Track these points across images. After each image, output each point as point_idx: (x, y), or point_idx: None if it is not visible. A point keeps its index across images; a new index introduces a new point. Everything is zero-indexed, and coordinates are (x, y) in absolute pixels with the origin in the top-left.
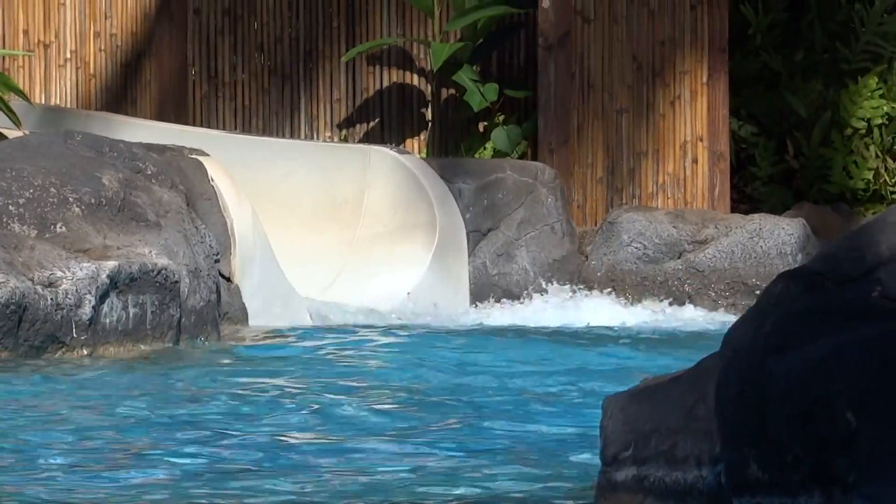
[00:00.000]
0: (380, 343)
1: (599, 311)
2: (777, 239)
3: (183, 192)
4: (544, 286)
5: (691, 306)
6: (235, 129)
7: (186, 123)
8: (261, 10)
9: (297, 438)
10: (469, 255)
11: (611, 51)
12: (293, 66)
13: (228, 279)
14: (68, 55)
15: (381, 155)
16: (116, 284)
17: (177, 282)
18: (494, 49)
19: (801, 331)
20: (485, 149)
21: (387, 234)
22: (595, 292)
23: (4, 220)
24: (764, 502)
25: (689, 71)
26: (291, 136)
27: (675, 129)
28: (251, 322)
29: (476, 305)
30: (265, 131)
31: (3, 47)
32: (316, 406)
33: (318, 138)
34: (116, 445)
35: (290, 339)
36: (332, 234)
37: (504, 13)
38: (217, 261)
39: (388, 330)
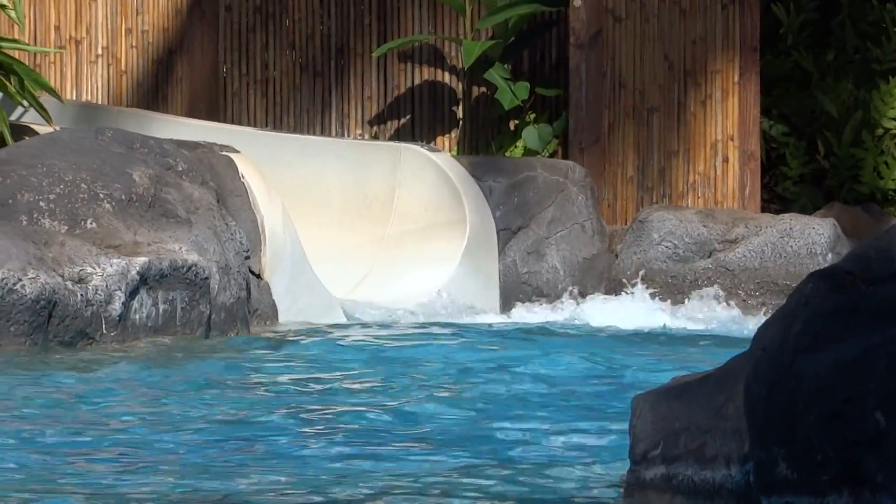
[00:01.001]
0: (409, 341)
1: (628, 309)
2: (807, 239)
3: (213, 188)
4: (574, 284)
5: (721, 305)
6: (266, 126)
7: (218, 120)
8: (292, 7)
9: (323, 436)
10: (499, 254)
11: (642, 50)
12: (324, 64)
13: (258, 276)
14: (100, 52)
15: (412, 153)
16: (146, 280)
17: (207, 278)
18: (526, 47)
19: (831, 330)
20: (515, 147)
21: (417, 232)
22: (624, 291)
23: (35, 215)
24: (793, 501)
25: (721, 70)
26: (322, 134)
27: (706, 129)
28: (281, 318)
29: (506, 303)
30: (296, 128)
31: (35, 44)
32: (344, 404)
33: (348, 136)
34: (139, 441)
35: (319, 337)
36: (362, 232)
37: (536, 11)
38: (247, 257)
39: (417, 328)
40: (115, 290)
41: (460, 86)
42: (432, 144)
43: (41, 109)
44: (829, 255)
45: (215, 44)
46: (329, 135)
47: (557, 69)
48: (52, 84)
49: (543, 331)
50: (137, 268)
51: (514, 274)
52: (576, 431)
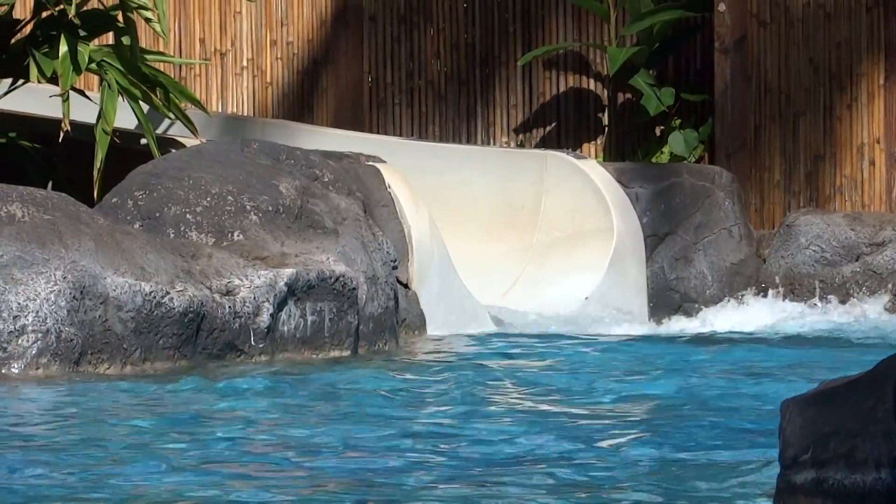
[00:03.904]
0: (559, 349)
1: (777, 314)
2: None
3: (360, 199)
4: (722, 290)
5: (869, 309)
6: (412, 135)
7: (363, 130)
8: (436, 17)
9: (480, 447)
10: (647, 260)
11: (787, 54)
12: (469, 72)
13: (406, 286)
14: (245, 63)
15: (558, 160)
16: (294, 292)
17: (354, 289)
18: (670, 53)
19: None
20: (661, 153)
21: (564, 240)
22: (772, 295)
23: (182, 228)
24: None
25: (866, 73)
26: (468, 143)
27: (852, 132)
28: (429, 328)
29: (654, 310)
30: (442, 137)
31: (180, 56)
32: (499, 416)
33: (494, 144)
34: (296, 453)
35: (467, 346)
36: (509, 240)
37: (680, 17)
38: (395, 268)
39: (566, 336)
40: (263, 301)
41: (605, 92)
42: (578, 152)
43: (187, 122)
44: None
45: (360, 54)
46: (475, 143)
47: (702, 74)
48: (197, 96)
49: (693, 337)
50: (285, 279)
51: (662, 280)
52: (725, 435)
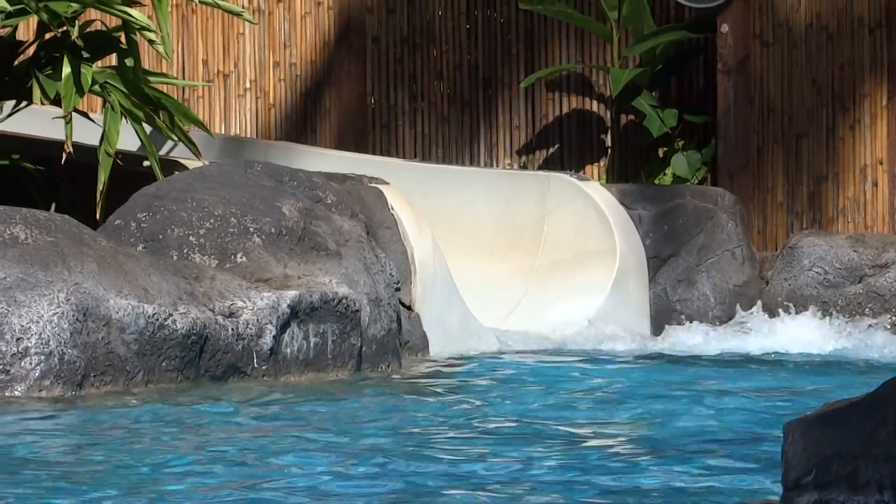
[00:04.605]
0: (561, 371)
1: (780, 336)
2: None
3: (363, 220)
4: (725, 312)
5: (872, 330)
6: (415, 156)
7: (366, 152)
8: (439, 38)
9: (481, 472)
10: (650, 282)
11: (790, 75)
12: (472, 94)
13: (409, 307)
14: (248, 85)
15: (561, 182)
16: (297, 314)
17: (357, 311)
18: (673, 74)
19: None
20: (664, 174)
21: (567, 262)
22: (775, 317)
23: (185, 250)
24: None
25: (869, 94)
26: (471, 164)
27: (855, 153)
28: (432, 350)
29: (657, 332)
30: (445, 159)
31: (183, 78)
32: (498, 437)
33: (497, 166)
34: (295, 475)
35: (470, 368)
36: (512, 262)
37: (682, 38)
38: (398, 289)
39: (569, 357)
40: (266, 323)
41: (608, 114)
42: (581, 173)
43: (190, 144)
44: None
45: (363, 75)
46: (478, 165)
47: (705, 95)
48: (200, 118)
49: (695, 359)
50: (288, 301)
51: (665, 302)
52: (727, 458)
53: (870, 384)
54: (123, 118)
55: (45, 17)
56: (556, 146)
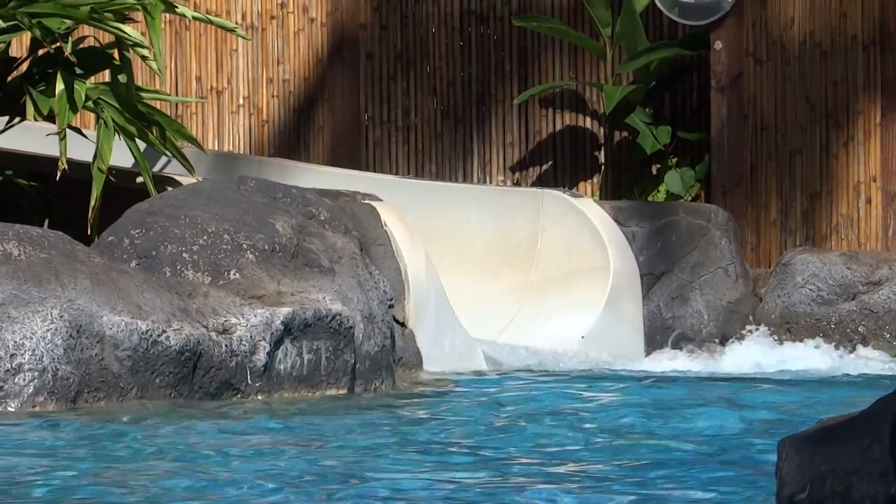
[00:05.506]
0: (554, 388)
1: (773, 354)
2: None
3: (356, 237)
4: (718, 329)
5: (866, 348)
6: (408, 173)
7: (359, 168)
8: (433, 55)
9: (480, 488)
10: (643, 299)
11: (783, 92)
12: (466, 110)
13: (403, 324)
14: (241, 101)
15: (555, 198)
16: (291, 331)
17: (351, 327)
18: (667, 91)
19: None
20: (658, 191)
21: (560, 278)
22: (768, 334)
23: (178, 267)
24: None
25: (862, 111)
26: (464, 180)
27: (849, 170)
28: (426, 366)
29: (650, 349)
30: (438, 175)
31: (177, 94)
32: (492, 455)
33: (490, 182)
34: (289, 492)
35: (464, 385)
36: (505, 278)
37: (676, 55)
38: (391, 306)
39: (562, 375)
40: (260, 340)
41: (602, 131)
42: (574, 190)
43: (183, 160)
44: None
45: (356, 92)
46: (471, 181)
47: (699, 112)
48: (193, 134)
49: (688, 376)
50: (281, 318)
51: (659, 319)
52: (720, 476)
53: (860, 401)
54: (117, 134)
55: (38, 33)
56: (550, 163)
